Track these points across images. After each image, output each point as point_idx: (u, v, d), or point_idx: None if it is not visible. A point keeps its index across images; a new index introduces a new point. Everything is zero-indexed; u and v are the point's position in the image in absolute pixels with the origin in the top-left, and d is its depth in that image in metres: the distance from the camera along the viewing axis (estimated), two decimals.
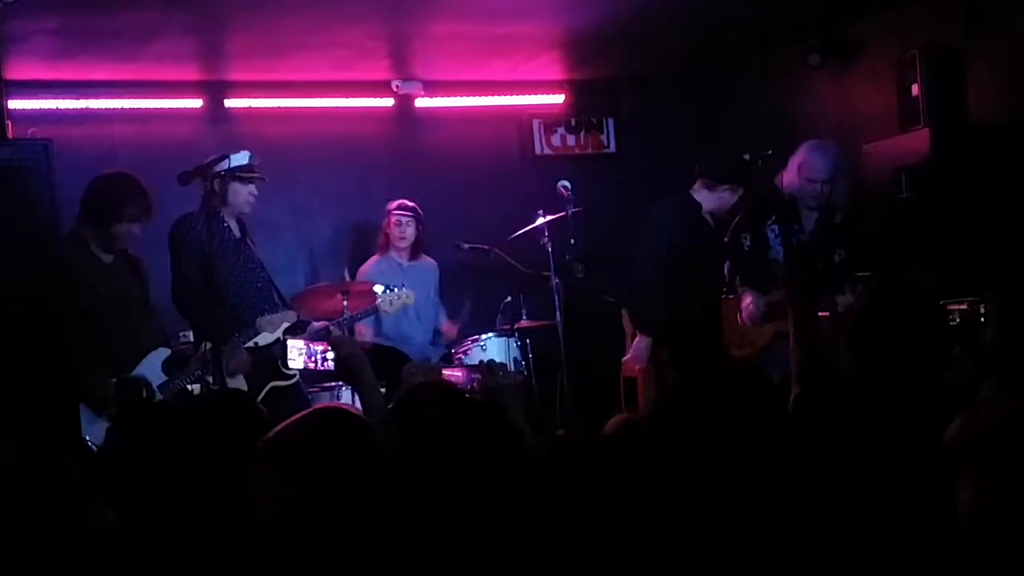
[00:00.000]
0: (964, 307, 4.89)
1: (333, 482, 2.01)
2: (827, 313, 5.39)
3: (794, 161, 5.90)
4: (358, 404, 4.41)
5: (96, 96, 7.13)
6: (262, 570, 2.05)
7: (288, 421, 2.12)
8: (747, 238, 5.94)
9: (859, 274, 5.53)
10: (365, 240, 7.54)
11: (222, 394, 4.18)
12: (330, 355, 5.25)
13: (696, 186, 6.24)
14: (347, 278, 6.96)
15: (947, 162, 6.22)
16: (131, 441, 2.78)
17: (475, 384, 5.39)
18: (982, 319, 4.16)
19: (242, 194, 5.59)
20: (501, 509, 2.35)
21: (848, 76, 7.37)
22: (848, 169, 5.99)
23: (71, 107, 7.04)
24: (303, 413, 2.16)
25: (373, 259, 7.08)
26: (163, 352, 5.18)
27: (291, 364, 5.30)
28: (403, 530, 2.12)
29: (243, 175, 5.57)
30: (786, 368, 3.49)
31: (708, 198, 6.20)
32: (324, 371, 5.45)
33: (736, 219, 6.09)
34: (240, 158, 5.58)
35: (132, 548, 2.39)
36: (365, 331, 6.72)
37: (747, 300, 5.82)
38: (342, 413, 2.15)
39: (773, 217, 5.90)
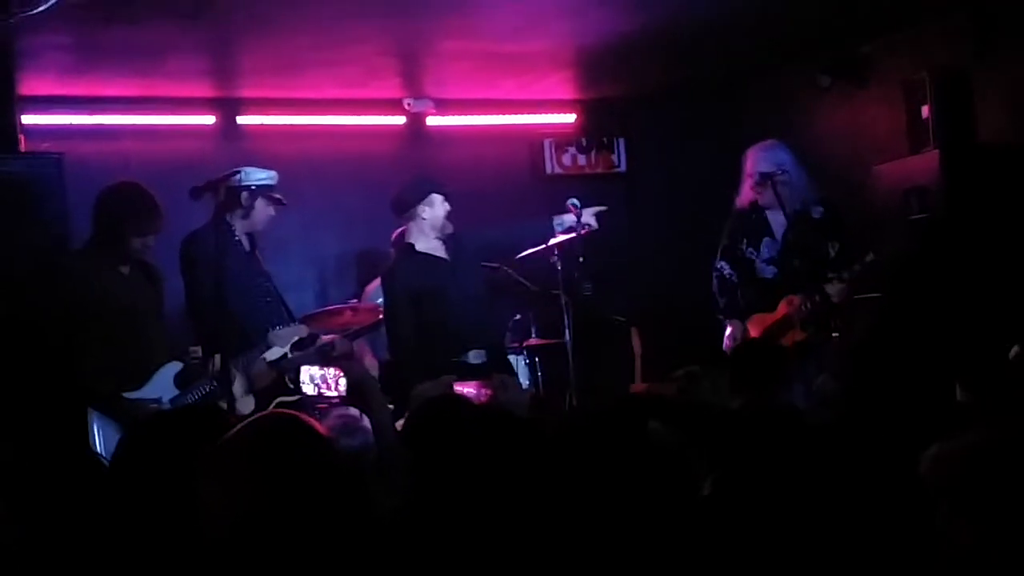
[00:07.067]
0: None
1: (278, 487, 2.00)
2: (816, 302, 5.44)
3: (743, 175, 5.98)
4: (365, 422, 4.42)
5: (109, 112, 7.18)
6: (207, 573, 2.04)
7: (239, 425, 2.11)
8: (725, 267, 6.00)
9: (857, 265, 5.53)
10: (374, 258, 7.54)
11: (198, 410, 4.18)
12: (343, 380, 5.30)
13: (407, 230, 5.99)
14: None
15: (957, 183, 6.22)
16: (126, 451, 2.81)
17: (486, 399, 5.42)
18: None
19: (264, 212, 5.62)
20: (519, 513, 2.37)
21: (858, 97, 7.37)
22: (798, 160, 6.00)
23: (84, 123, 7.08)
24: (253, 418, 2.15)
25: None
26: (175, 366, 5.20)
27: (304, 389, 5.33)
28: (363, 536, 2.12)
29: (270, 196, 5.61)
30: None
31: (415, 232, 5.91)
32: (338, 395, 5.52)
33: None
34: (268, 177, 5.61)
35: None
36: (367, 355, 6.74)
37: (728, 331, 5.91)
38: (292, 419, 2.14)
39: (743, 238, 5.95)
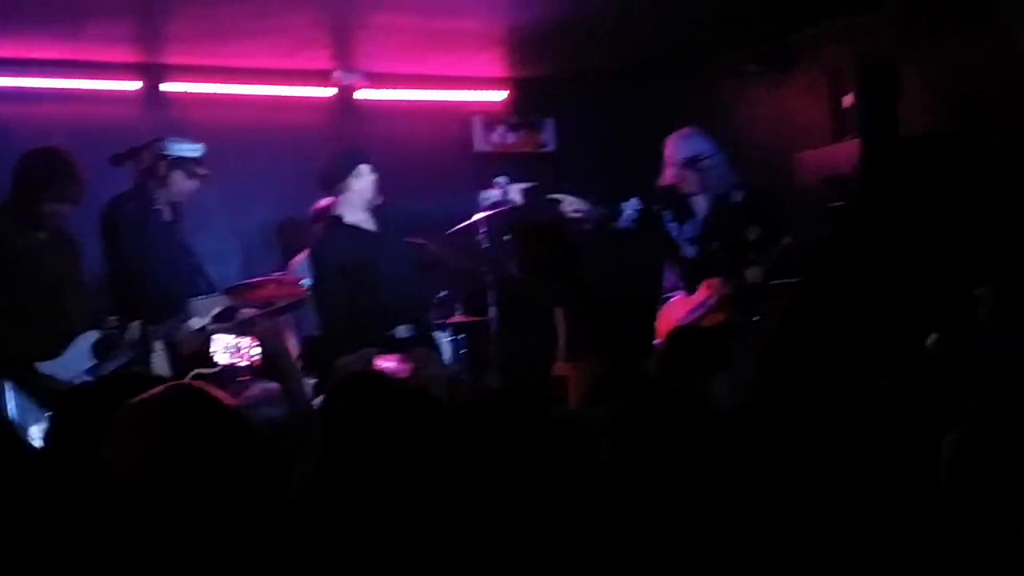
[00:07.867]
0: None
1: (183, 454, 2.03)
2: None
3: (664, 163, 6.07)
4: None
5: (31, 75, 7.01)
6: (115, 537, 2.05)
7: (146, 394, 2.14)
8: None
9: (774, 249, 5.64)
10: (300, 230, 7.49)
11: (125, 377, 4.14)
12: (257, 350, 5.26)
13: (334, 202, 6.03)
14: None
15: (875, 172, 6.32)
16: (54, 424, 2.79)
17: (407, 373, 5.43)
18: None
19: (182, 184, 5.56)
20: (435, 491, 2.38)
21: (784, 86, 7.46)
22: (718, 146, 6.08)
23: (5, 85, 6.92)
24: (156, 389, 2.18)
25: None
26: (92, 335, 5.13)
27: (216, 359, 5.27)
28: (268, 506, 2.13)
29: (190, 168, 5.54)
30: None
31: (343, 204, 5.97)
32: (250, 366, 5.46)
33: None
34: (191, 149, 5.55)
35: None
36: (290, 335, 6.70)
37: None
38: (198, 391, 2.17)
39: (668, 213, 6.03)
